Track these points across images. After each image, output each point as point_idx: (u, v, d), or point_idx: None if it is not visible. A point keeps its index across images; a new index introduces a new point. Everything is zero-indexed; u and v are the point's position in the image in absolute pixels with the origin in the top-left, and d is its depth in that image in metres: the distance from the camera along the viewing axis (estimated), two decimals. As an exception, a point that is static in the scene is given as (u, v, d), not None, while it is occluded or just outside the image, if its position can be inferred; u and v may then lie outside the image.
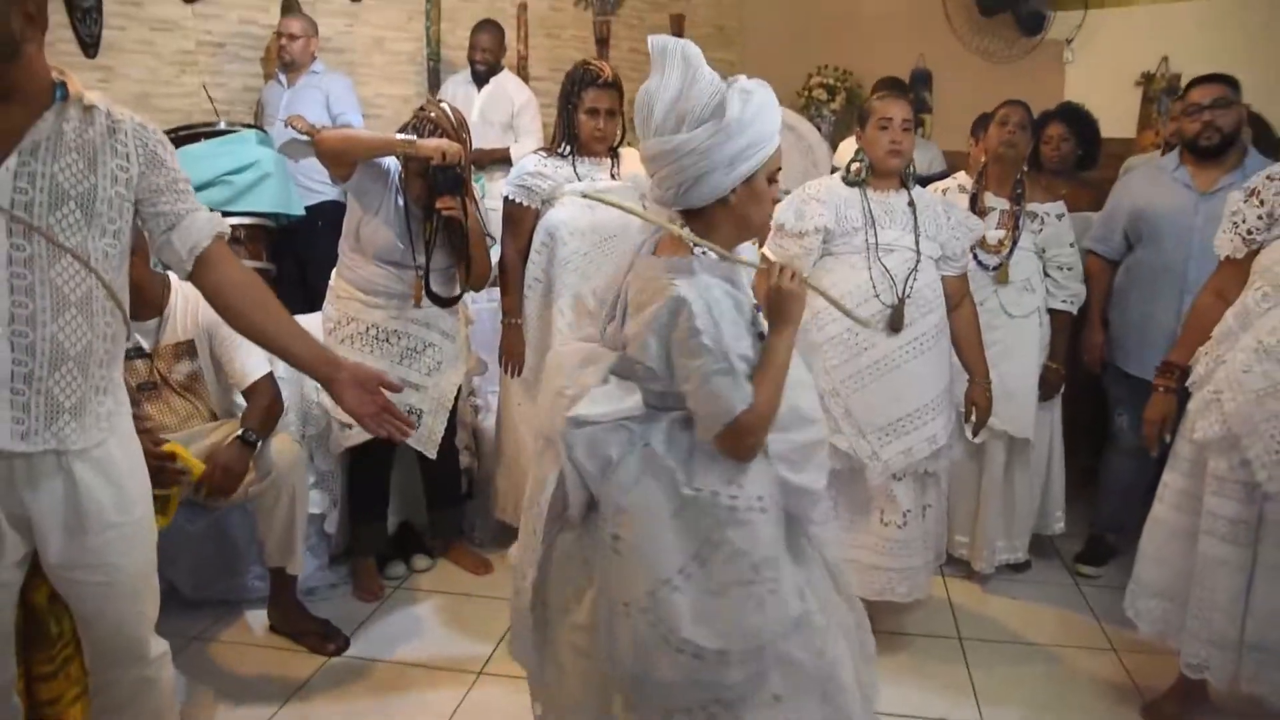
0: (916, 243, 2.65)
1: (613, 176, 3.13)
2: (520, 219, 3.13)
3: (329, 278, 3.16)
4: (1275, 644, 2.19)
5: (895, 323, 2.62)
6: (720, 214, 1.63)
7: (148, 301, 2.62)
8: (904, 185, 2.73)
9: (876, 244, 2.63)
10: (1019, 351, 3.10)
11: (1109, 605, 3.01)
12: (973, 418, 2.83)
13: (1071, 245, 3.20)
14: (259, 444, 2.65)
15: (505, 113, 4.90)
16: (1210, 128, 2.99)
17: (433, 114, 2.95)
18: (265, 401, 2.73)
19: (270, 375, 2.78)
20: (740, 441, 1.54)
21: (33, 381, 1.62)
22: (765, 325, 1.65)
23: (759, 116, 1.58)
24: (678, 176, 1.60)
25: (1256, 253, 2.29)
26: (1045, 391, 3.19)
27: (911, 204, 2.70)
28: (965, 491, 3.25)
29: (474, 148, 3.52)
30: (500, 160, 4.74)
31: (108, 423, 1.75)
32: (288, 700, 2.59)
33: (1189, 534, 2.32)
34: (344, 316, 3.03)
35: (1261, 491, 2.14)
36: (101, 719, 1.97)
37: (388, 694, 2.64)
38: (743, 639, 1.55)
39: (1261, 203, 2.28)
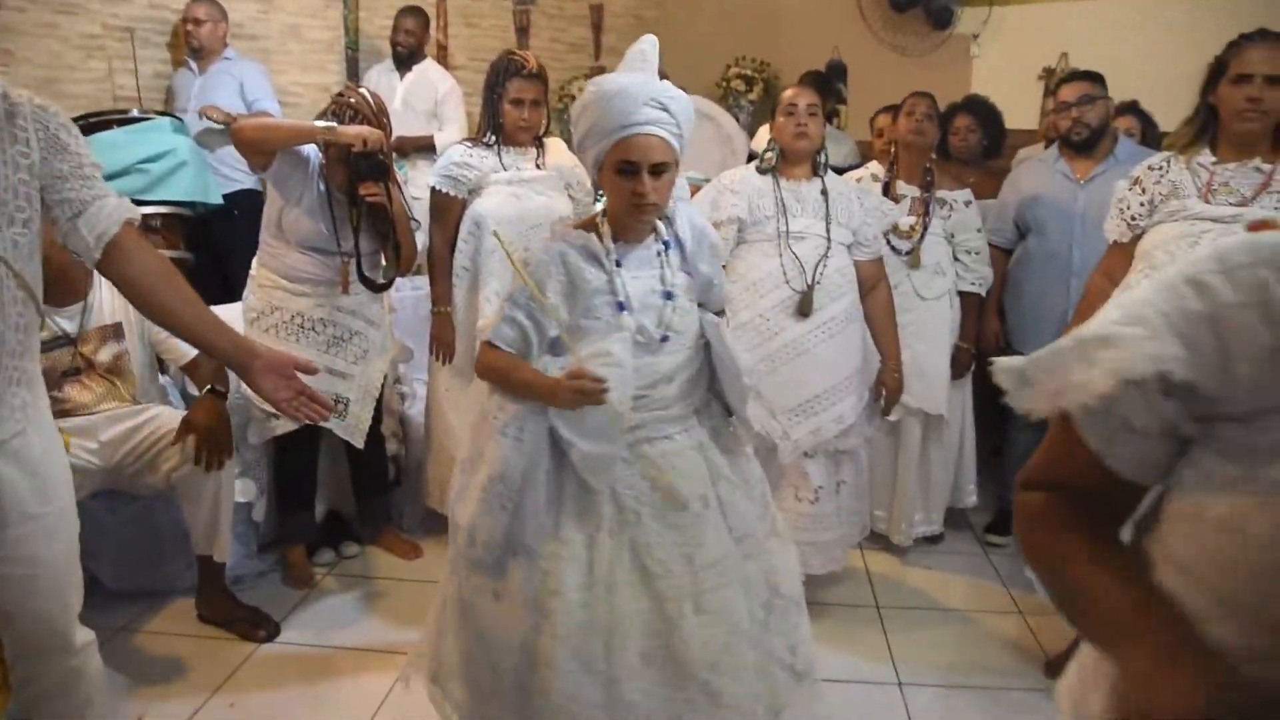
0: (827, 230, 2.74)
1: (538, 166, 3.17)
2: (447, 209, 3.16)
3: (248, 267, 3.13)
4: None
5: (804, 308, 2.72)
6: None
7: (70, 288, 2.58)
8: (816, 173, 2.81)
9: (787, 232, 2.73)
10: (931, 332, 3.24)
11: (1015, 571, 3.20)
12: (883, 399, 2.94)
13: (979, 230, 3.35)
14: (226, 394, 2.71)
15: (429, 100, 4.89)
16: (1079, 123, 3.21)
17: (353, 100, 2.94)
18: (209, 366, 2.76)
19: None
20: (477, 359, 1.91)
21: None
22: (625, 296, 1.83)
23: (595, 109, 1.76)
24: None
25: (1140, 237, 2.47)
26: (956, 370, 3.33)
27: (824, 192, 2.79)
28: (883, 468, 3.37)
29: (397, 135, 3.53)
30: (424, 148, 4.72)
31: (23, 414, 1.72)
32: (218, 688, 2.58)
33: None
34: (267, 306, 3.01)
35: None
36: (32, 711, 1.95)
37: (319, 679, 2.65)
38: (484, 531, 1.80)
39: (1144, 190, 2.46)
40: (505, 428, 1.81)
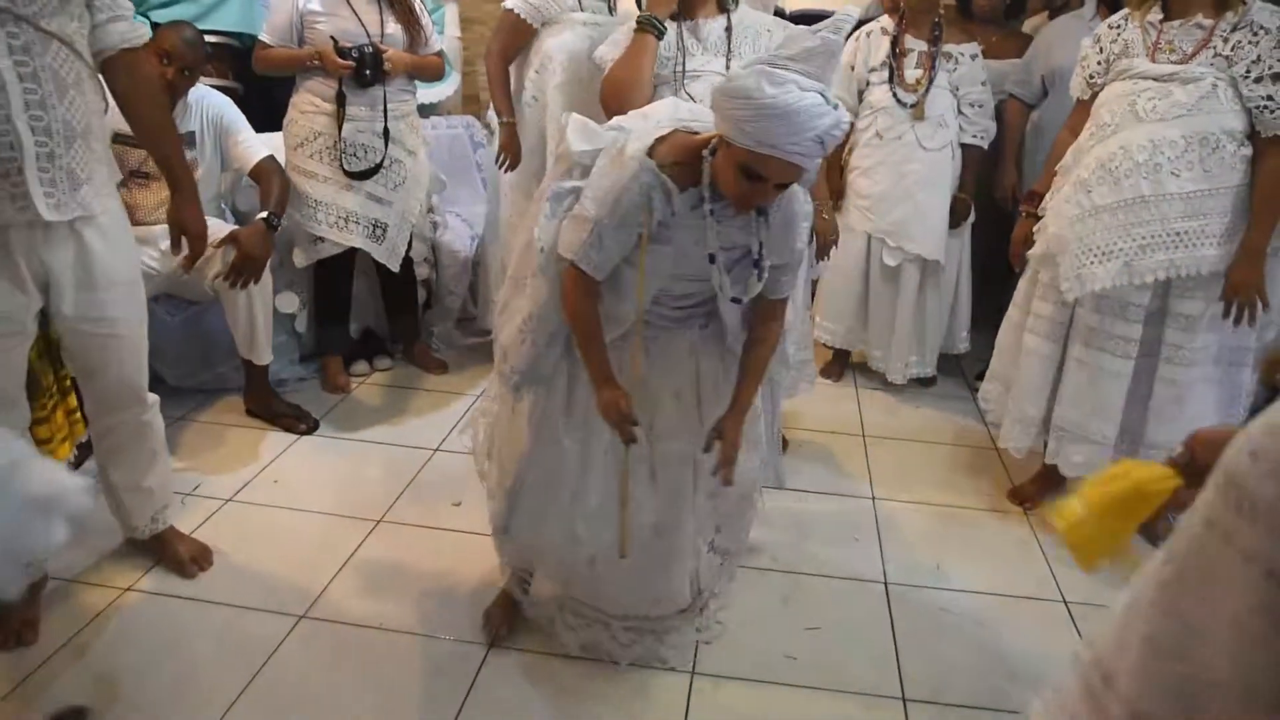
0: (727, 66, 2.58)
1: (610, 11, 3.19)
2: (516, 30, 3.15)
3: (289, 97, 3.33)
4: (1070, 424, 2.64)
5: None
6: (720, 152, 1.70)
7: None
8: (723, 9, 2.64)
9: (683, 72, 2.59)
10: (932, 182, 3.38)
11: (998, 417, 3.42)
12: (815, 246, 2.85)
13: (983, 84, 3.43)
14: (279, 226, 2.92)
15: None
16: None
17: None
18: (278, 182, 2.99)
19: (272, 156, 3.03)
20: (563, 279, 1.84)
21: (55, 159, 1.87)
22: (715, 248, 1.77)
23: (752, 112, 1.56)
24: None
25: (1098, 94, 2.56)
26: (954, 220, 3.49)
27: (728, 29, 2.63)
28: (881, 310, 3.58)
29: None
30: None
31: (108, 191, 2.03)
32: (264, 468, 2.93)
33: (1024, 330, 2.74)
34: (310, 133, 3.22)
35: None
36: (107, 460, 2.29)
37: (351, 466, 2.98)
38: (514, 357, 1.95)
39: (1101, 50, 2.54)
40: (546, 267, 1.87)
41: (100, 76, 2.02)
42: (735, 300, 1.84)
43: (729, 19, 2.63)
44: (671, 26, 2.56)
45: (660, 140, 1.78)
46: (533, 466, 2.03)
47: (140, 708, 1.98)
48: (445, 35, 4.33)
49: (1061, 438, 2.66)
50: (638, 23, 2.46)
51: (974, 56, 3.38)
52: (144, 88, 2.11)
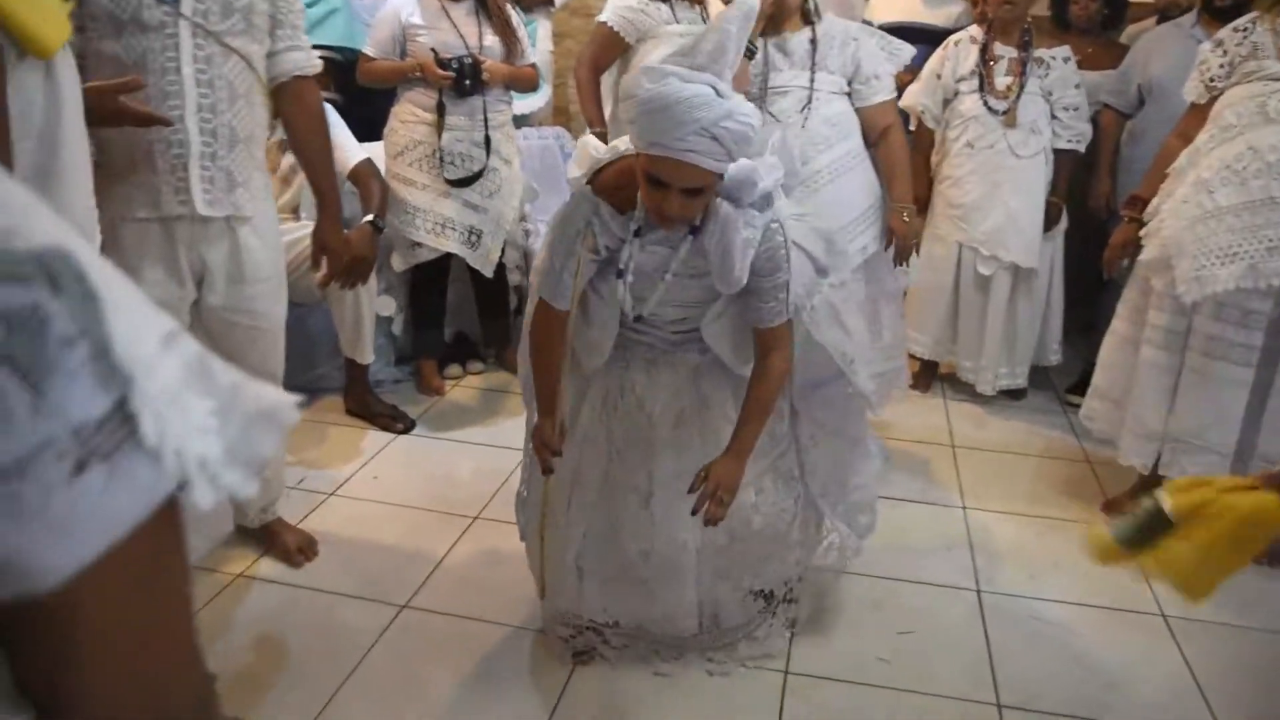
0: (811, 80, 2.63)
1: (704, 21, 3.17)
2: (610, 43, 3.17)
3: (389, 109, 3.45)
4: (1188, 435, 2.57)
5: None
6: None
7: None
8: (808, 21, 2.66)
9: (767, 89, 2.62)
10: (1025, 189, 3.35)
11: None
12: (892, 246, 2.80)
13: (1077, 87, 3.39)
14: (383, 229, 3.02)
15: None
16: None
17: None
18: (377, 186, 3.11)
19: (369, 159, 3.15)
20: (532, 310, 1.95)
21: (216, 159, 2.03)
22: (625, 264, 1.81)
23: (638, 109, 1.55)
24: None
25: (1216, 99, 2.53)
26: (1047, 224, 3.46)
27: (813, 41, 2.64)
28: (971, 320, 3.56)
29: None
30: (542, 3, 4.85)
31: (263, 194, 2.19)
32: (364, 465, 3.03)
33: (1134, 343, 2.68)
34: (410, 141, 3.33)
35: (1192, 304, 2.46)
36: None
37: (445, 465, 3.06)
38: None
39: (1225, 52, 2.51)
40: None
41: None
42: (638, 319, 1.87)
43: (814, 30, 2.64)
44: (760, 44, 2.58)
45: (607, 166, 1.82)
46: (534, 471, 2.05)
47: (254, 688, 2.07)
48: (538, 49, 4.42)
49: (1177, 449, 2.59)
50: None
51: (1066, 60, 3.36)
52: (309, 114, 2.25)
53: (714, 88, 1.53)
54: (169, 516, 0.45)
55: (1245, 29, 2.49)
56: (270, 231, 2.23)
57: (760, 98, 2.56)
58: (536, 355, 1.91)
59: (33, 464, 0.38)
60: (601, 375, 2.02)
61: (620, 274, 1.80)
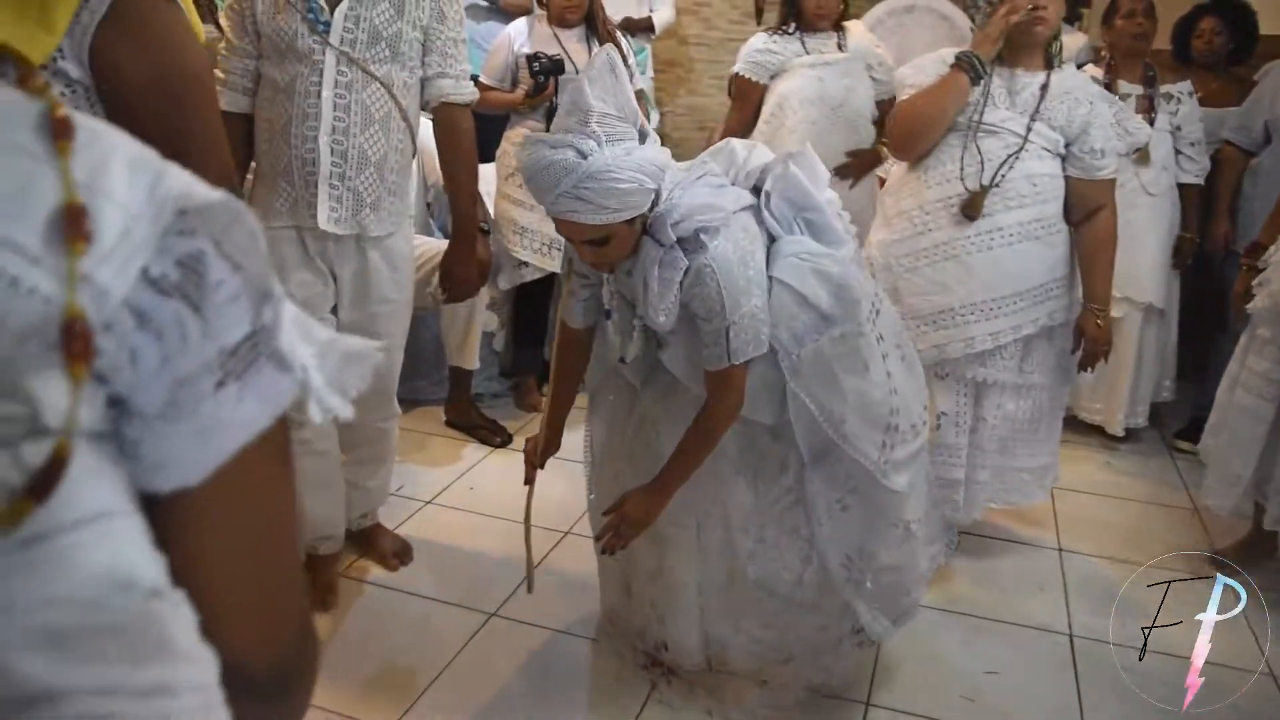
0: (1028, 128, 2.35)
1: (839, 48, 3.23)
2: (749, 93, 3.27)
3: (501, 130, 3.54)
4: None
5: (969, 209, 2.35)
6: None
7: None
8: (1049, 65, 2.39)
9: (979, 123, 2.36)
10: (1156, 227, 3.30)
11: (1198, 477, 3.21)
12: (1081, 350, 2.50)
13: (1199, 120, 3.33)
14: (489, 232, 3.11)
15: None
16: None
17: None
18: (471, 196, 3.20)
19: None
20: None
21: (344, 180, 2.11)
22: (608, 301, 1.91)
23: (525, 177, 1.62)
24: None
25: None
26: (1179, 260, 3.40)
27: (1045, 86, 2.36)
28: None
29: (622, 17, 3.82)
30: (643, 29, 4.92)
31: (394, 219, 2.25)
32: (461, 476, 3.12)
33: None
34: (519, 163, 3.42)
35: None
36: (347, 452, 2.50)
37: (542, 480, 3.08)
38: None
39: None
40: None
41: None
42: (621, 360, 1.93)
43: (1048, 77, 2.37)
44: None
45: None
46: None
47: (348, 684, 2.16)
48: (645, 76, 4.51)
49: None
50: (956, 58, 2.35)
51: (1190, 94, 3.29)
52: (453, 140, 2.32)
53: (577, 148, 1.53)
54: (280, 437, 0.53)
55: None
56: (401, 256, 2.29)
57: (969, 130, 2.37)
58: (553, 369, 2.11)
59: (194, 377, 0.47)
60: (621, 395, 2.13)
61: (608, 314, 1.90)
